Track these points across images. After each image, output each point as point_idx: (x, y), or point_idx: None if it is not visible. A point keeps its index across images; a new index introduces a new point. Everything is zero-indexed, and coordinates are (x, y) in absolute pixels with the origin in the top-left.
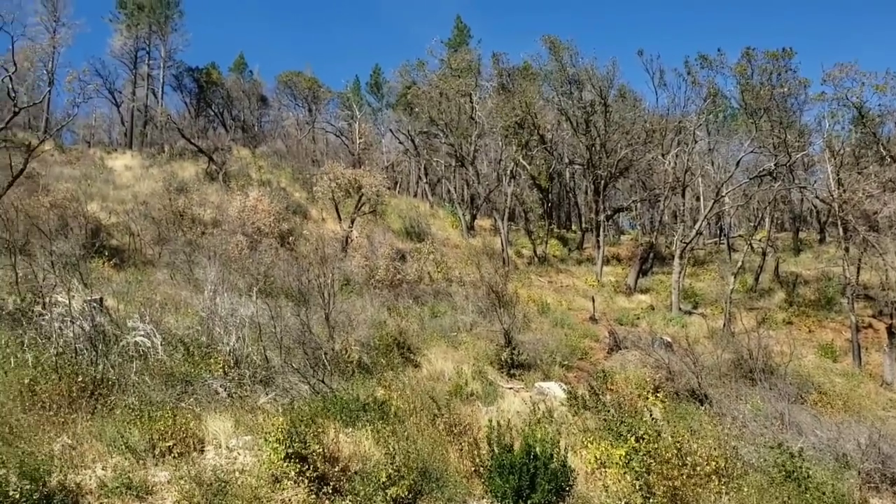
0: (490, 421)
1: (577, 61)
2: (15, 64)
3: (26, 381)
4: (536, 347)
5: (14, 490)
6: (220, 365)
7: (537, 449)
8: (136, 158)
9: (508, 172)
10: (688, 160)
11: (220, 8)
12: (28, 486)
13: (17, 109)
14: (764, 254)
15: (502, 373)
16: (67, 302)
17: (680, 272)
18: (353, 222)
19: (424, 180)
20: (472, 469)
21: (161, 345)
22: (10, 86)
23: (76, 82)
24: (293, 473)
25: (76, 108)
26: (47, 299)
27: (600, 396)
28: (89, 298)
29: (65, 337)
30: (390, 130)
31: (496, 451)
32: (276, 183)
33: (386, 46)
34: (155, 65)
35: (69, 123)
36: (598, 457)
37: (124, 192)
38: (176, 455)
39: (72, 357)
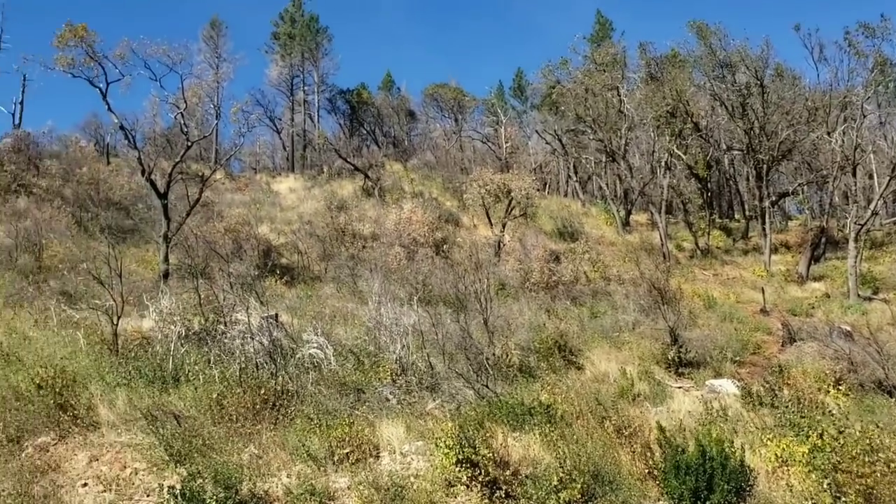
0: (660, 422)
1: (728, 44)
2: (185, 101)
3: (214, 395)
4: (705, 344)
5: (210, 498)
6: (388, 373)
7: (713, 448)
8: (298, 181)
9: (663, 164)
10: (857, 137)
11: (366, 30)
12: (222, 495)
13: (189, 143)
14: None
15: (670, 372)
16: (246, 319)
17: (856, 256)
18: (504, 227)
19: (574, 179)
20: (646, 471)
21: (333, 356)
22: (183, 122)
23: (240, 113)
24: (465, 478)
25: (242, 138)
26: (228, 318)
27: (776, 392)
28: (266, 315)
29: (246, 352)
30: (536, 132)
31: (669, 451)
32: (427, 194)
33: (524, 47)
34: (309, 90)
35: (236, 152)
36: (778, 455)
37: (290, 213)
38: (353, 461)
39: (253, 371)
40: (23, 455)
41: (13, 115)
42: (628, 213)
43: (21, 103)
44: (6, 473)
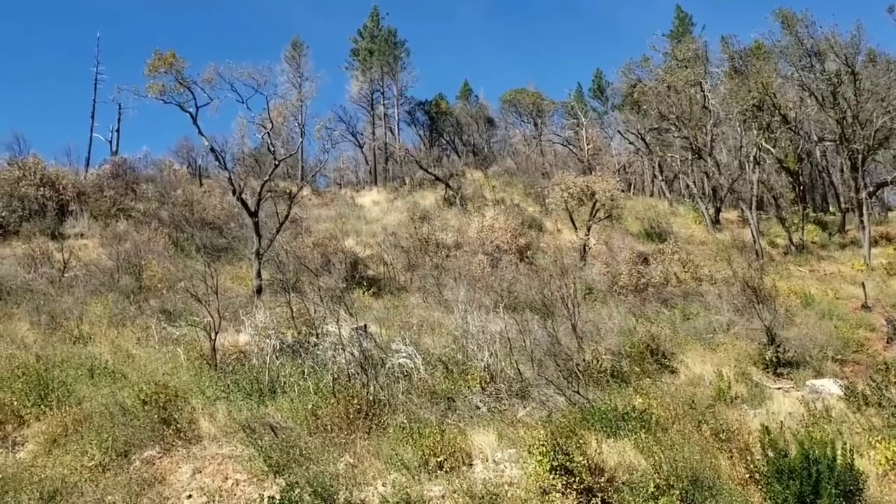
0: (761, 424)
1: (815, 31)
2: (271, 121)
3: (309, 406)
4: (803, 343)
5: None
6: (478, 381)
7: (817, 451)
8: (381, 193)
9: (751, 159)
10: None
11: (442, 39)
12: None
13: (277, 162)
14: None
15: (767, 373)
16: (337, 331)
17: None
18: (589, 230)
19: (660, 178)
20: (747, 476)
21: (422, 365)
22: (269, 141)
23: (324, 130)
24: (560, 485)
25: (326, 154)
26: (320, 330)
27: (884, 391)
28: (355, 326)
29: (338, 363)
30: (618, 132)
31: (771, 455)
32: (509, 200)
33: (602, 48)
34: (389, 104)
35: (321, 169)
36: (889, 457)
37: (374, 225)
38: (447, 470)
39: (346, 381)
40: (131, 468)
41: (111, 142)
42: (717, 210)
43: (117, 131)
44: (116, 486)
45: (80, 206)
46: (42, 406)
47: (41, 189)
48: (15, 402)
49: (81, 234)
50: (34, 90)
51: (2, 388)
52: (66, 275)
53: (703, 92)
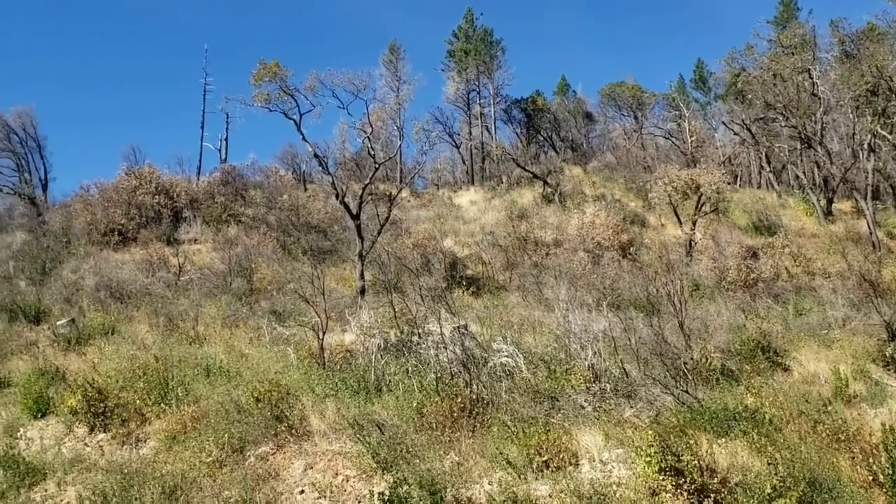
0: (883, 424)
1: None
2: (371, 125)
3: (414, 404)
4: None
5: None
6: (581, 380)
7: None
8: (478, 193)
9: (866, 146)
10: None
11: (537, 35)
12: (428, 501)
13: (377, 165)
14: None
15: (889, 370)
16: (439, 330)
17: None
18: (694, 224)
19: (767, 169)
20: (870, 478)
21: (524, 364)
22: (370, 145)
23: (421, 132)
24: (670, 486)
25: (424, 156)
26: (422, 329)
27: None
28: (456, 325)
29: (440, 362)
30: (723, 123)
31: None
32: (610, 196)
33: (703, 37)
34: (485, 103)
35: (419, 170)
36: None
37: (472, 225)
38: (553, 469)
39: (448, 380)
40: (246, 464)
41: (219, 150)
42: (829, 201)
43: (226, 139)
44: (232, 481)
45: (192, 213)
46: (162, 404)
47: (157, 197)
48: (137, 401)
49: (195, 240)
50: (147, 103)
51: (126, 387)
52: (181, 278)
53: (812, 79)
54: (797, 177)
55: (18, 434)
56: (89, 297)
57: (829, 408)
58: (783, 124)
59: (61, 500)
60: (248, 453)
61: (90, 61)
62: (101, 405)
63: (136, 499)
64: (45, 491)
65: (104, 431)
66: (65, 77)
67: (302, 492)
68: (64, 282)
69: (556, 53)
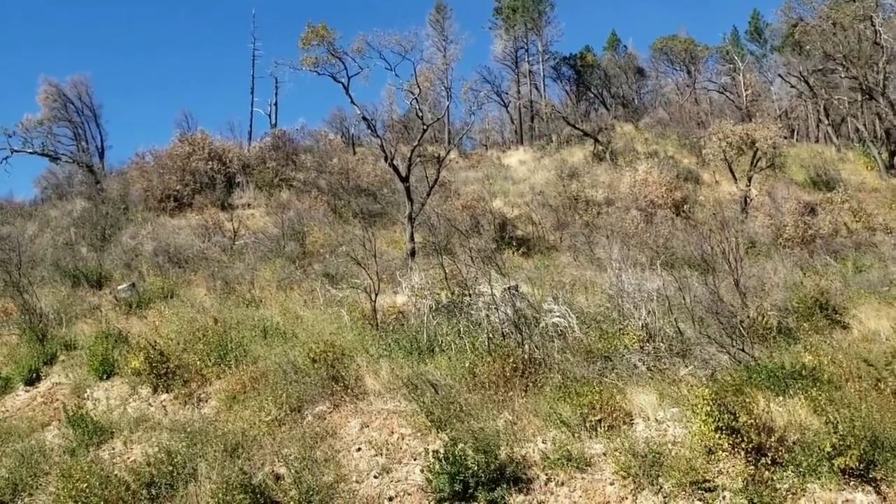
0: None
1: None
2: (418, 86)
3: (467, 364)
4: None
5: (472, 462)
6: (635, 339)
7: None
8: (527, 153)
9: None
10: None
11: None
12: (482, 459)
13: (425, 127)
14: None
15: None
16: (489, 291)
17: None
18: (750, 180)
19: (826, 122)
20: None
21: (576, 324)
22: (418, 106)
23: (469, 92)
24: (727, 445)
25: (472, 116)
26: (473, 290)
27: None
28: (507, 286)
29: (492, 323)
30: (779, 75)
31: None
32: (662, 153)
33: None
34: (534, 60)
35: (468, 131)
36: None
37: (522, 185)
38: (607, 428)
39: (500, 340)
40: (304, 423)
41: (269, 115)
42: (892, 154)
43: (275, 104)
44: (291, 439)
45: (245, 178)
46: (221, 365)
47: (210, 163)
48: (198, 362)
49: (248, 204)
50: (198, 69)
51: (187, 349)
52: (236, 243)
53: (875, 26)
54: (857, 129)
55: (86, 394)
56: (148, 262)
57: (891, 366)
58: (843, 75)
59: (128, 458)
60: (305, 412)
61: (141, 27)
62: (164, 366)
63: (199, 456)
64: (113, 449)
65: (167, 392)
66: (116, 44)
67: (359, 449)
68: (123, 247)
69: (606, 8)
